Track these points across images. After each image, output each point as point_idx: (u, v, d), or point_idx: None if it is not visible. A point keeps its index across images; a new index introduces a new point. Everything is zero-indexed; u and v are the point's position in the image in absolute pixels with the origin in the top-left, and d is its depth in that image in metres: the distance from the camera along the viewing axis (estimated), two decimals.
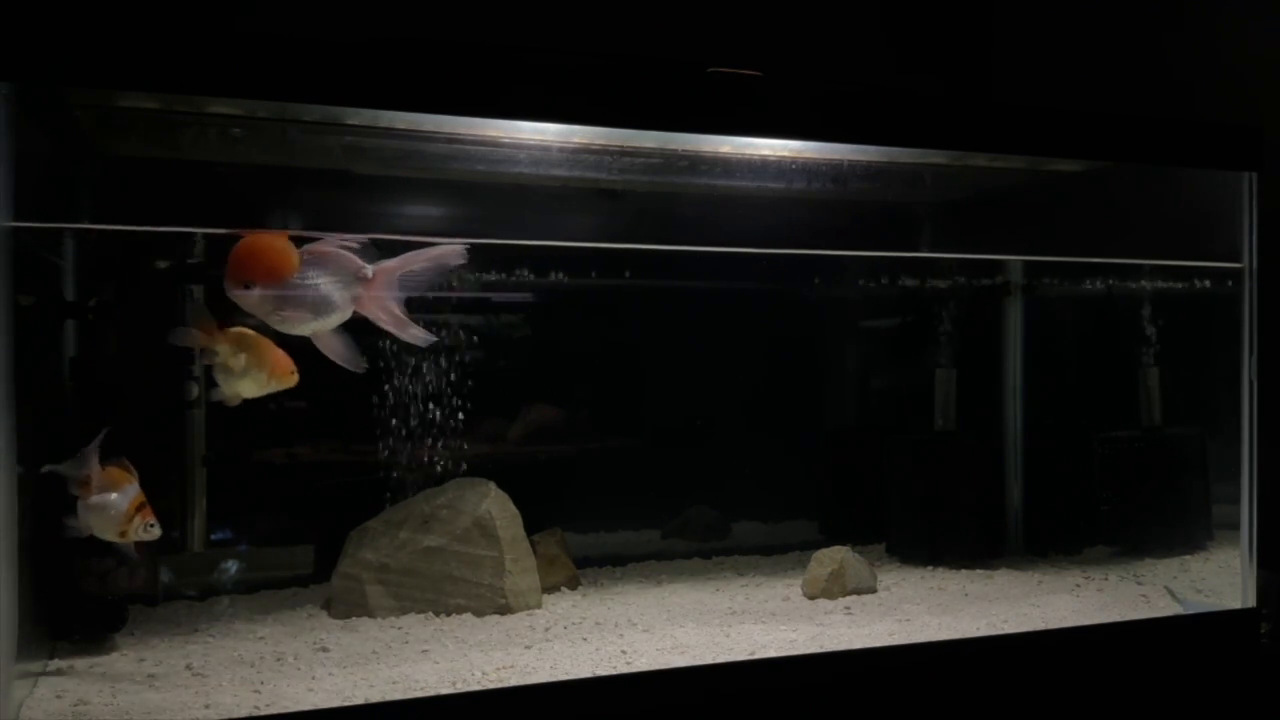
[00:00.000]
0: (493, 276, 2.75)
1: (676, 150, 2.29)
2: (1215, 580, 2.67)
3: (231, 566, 2.51)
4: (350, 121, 2.03)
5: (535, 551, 2.48)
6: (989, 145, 2.37)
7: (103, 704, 1.75)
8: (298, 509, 2.63)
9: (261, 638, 2.13)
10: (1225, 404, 2.45)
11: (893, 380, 3.37)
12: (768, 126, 2.14)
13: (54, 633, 2.05)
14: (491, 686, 1.84)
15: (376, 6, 2.56)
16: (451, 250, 1.89)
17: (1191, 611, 2.43)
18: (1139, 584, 2.64)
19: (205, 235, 2.21)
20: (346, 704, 1.74)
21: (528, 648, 2.06)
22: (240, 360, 1.93)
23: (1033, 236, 2.72)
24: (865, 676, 2.07)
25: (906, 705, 2.10)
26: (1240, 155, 2.43)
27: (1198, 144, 2.44)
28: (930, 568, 2.80)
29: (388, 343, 2.43)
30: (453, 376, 2.59)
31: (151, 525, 1.87)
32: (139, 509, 1.86)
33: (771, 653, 2.04)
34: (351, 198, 2.37)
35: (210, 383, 1.98)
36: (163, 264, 2.33)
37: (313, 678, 1.87)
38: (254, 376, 1.95)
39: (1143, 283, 3.04)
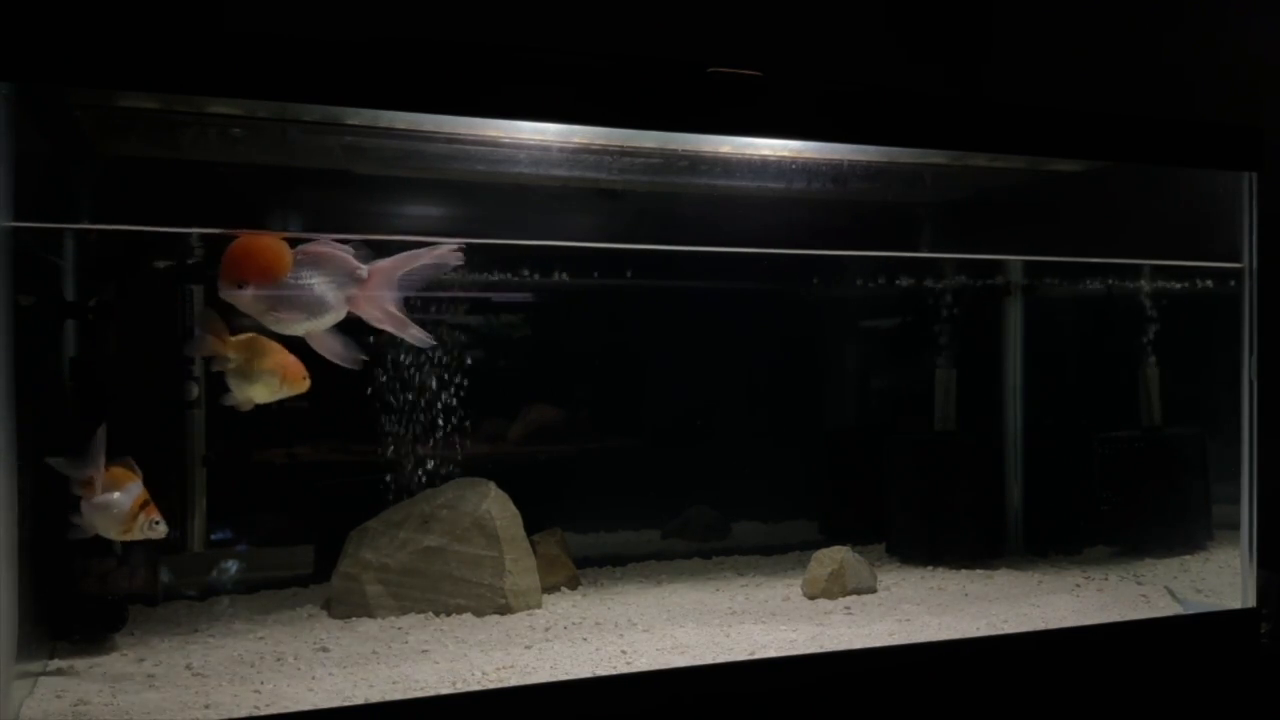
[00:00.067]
0: (493, 276, 2.75)
1: (676, 150, 2.29)
2: (1215, 580, 2.67)
3: (231, 566, 2.51)
4: (350, 121, 2.03)
5: (535, 551, 2.48)
6: (989, 145, 2.37)
7: (103, 704, 1.75)
8: (298, 509, 2.63)
9: (261, 638, 2.13)
10: (1225, 404, 2.45)
11: (893, 380, 3.37)
12: (768, 126, 2.14)
13: (54, 633, 2.05)
14: (491, 686, 1.84)
15: (376, 6, 2.56)
16: (447, 250, 1.89)
17: (1191, 611, 2.43)
18: (1139, 584, 2.64)
19: (205, 235, 2.21)
20: (346, 704, 1.74)
21: (528, 648, 2.06)
22: (252, 365, 1.94)
23: (1033, 236, 2.72)
24: (865, 676, 2.07)
25: (906, 705, 2.10)
26: (1240, 155, 2.43)
27: (1198, 144, 2.44)
28: (930, 568, 2.80)
29: (388, 343, 2.43)
30: (453, 377, 2.59)
31: (156, 523, 1.87)
32: (143, 507, 1.86)
33: (771, 653, 2.04)
34: (351, 198, 2.37)
35: (222, 387, 1.98)
36: (163, 264, 2.33)
37: (313, 678, 1.87)
38: (266, 381, 1.96)
39: (1143, 283, 3.04)
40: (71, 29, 1.62)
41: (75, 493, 1.85)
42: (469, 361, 2.62)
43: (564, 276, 2.82)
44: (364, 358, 1.94)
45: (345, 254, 1.85)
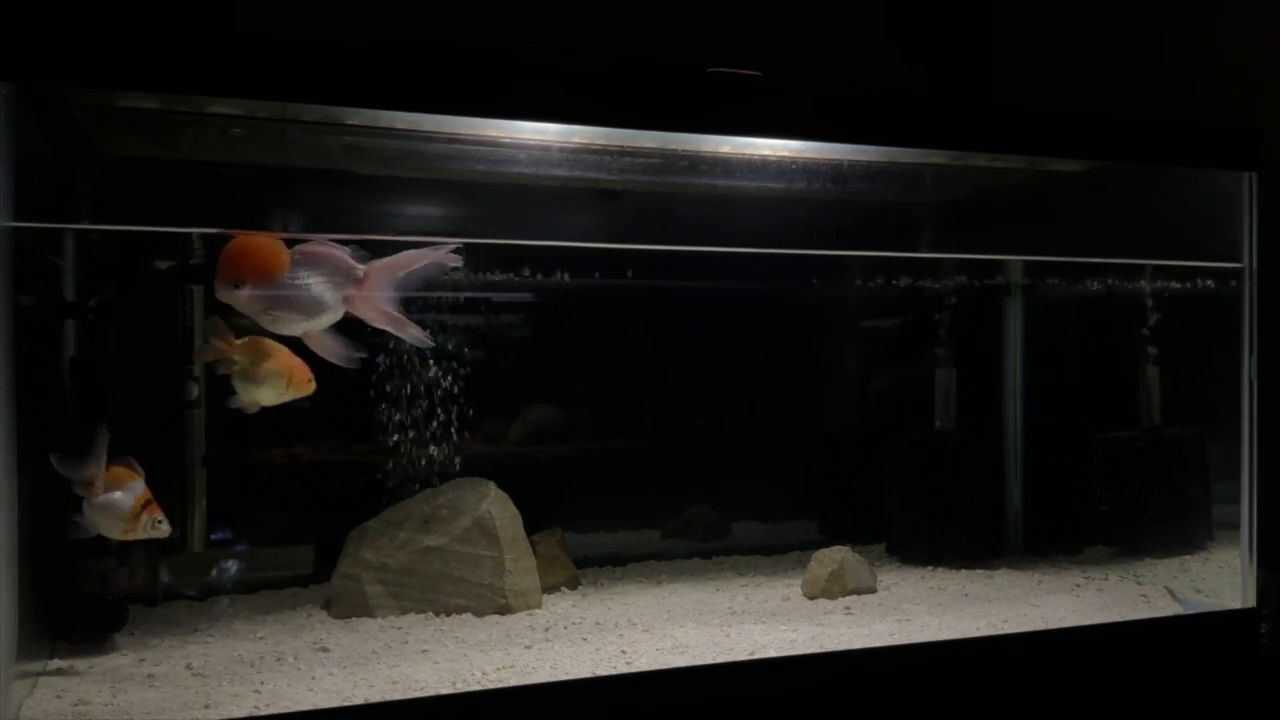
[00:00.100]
0: (493, 276, 2.75)
1: (676, 150, 2.29)
2: (1215, 580, 2.67)
3: (231, 566, 2.51)
4: (350, 121, 2.03)
5: (535, 551, 2.48)
6: (989, 145, 2.37)
7: (103, 704, 1.75)
8: (298, 509, 2.63)
9: (261, 638, 2.13)
10: (1225, 404, 2.45)
11: (893, 380, 3.37)
12: (768, 126, 2.14)
13: (54, 633, 2.05)
14: (491, 686, 1.84)
15: (376, 6, 2.56)
16: (445, 252, 1.89)
17: (1191, 611, 2.43)
18: (1139, 584, 2.64)
19: (205, 235, 2.21)
20: (346, 704, 1.74)
21: (528, 648, 2.06)
22: (258, 368, 1.94)
23: (1033, 236, 2.72)
24: (865, 676, 2.07)
25: (906, 705, 2.10)
26: (1240, 155, 2.43)
27: (1198, 144, 2.44)
28: (930, 568, 2.80)
29: (389, 343, 2.43)
30: (453, 377, 2.59)
31: (160, 522, 1.88)
32: (145, 506, 1.86)
33: (771, 653, 2.04)
34: (351, 198, 2.37)
35: (224, 388, 1.99)
36: (163, 264, 2.33)
37: (313, 678, 1.87)
38: (272, 384, 1.96)
39: (1143, 283, 3.04)
40: (71, 29, 1.62)
41: (77, 493, 1.85)
42: (469, 362, 2.62)
43: (564, 277, 2.82)
44: (361, 356, 1.94)
45: (342, 254, 1.85)
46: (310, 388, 1.99)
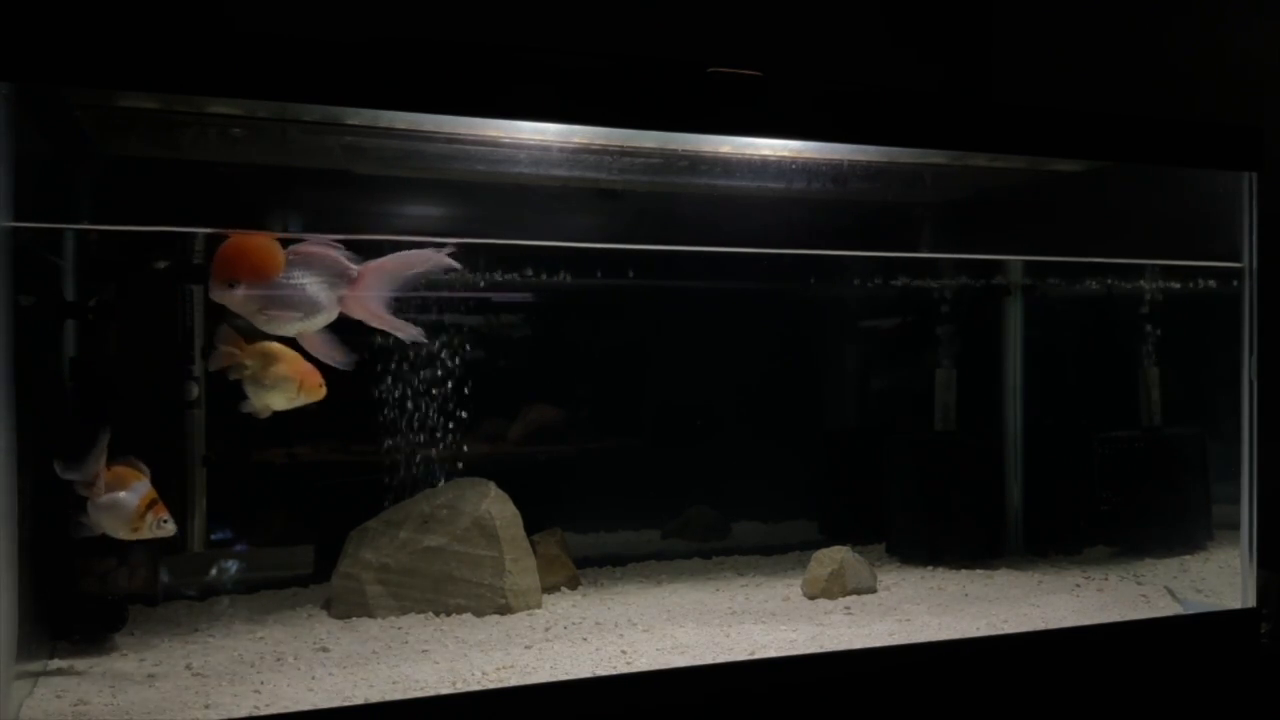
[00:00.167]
0: (493, 276, 2.75)
1: (676, 150, 2.29)
2: (1215, 580, 2.67)
3: (231, 566, 2.51)
4: (350, 121, 2.03)
5: (535, 551, 2.48)
6: (989, 145, 2.37)
7: (103, 704, 1.75)
8: (298, 509, 2.63)
9: (261, 638, 2.13)
10: (1225, 404, 2.45)
11: (893, 380, 3.37)
12: (768, 126, 2.14)
13: (54, 633, 2.05)
14: (491, 686, 1.84)
15: (376, 6, 2.57)
16: (441, 254, 1.89)
17: (1191, 611, 2.43)
18: (1139, 584, 2.64)
19: (205, 235, 2.21)
20: (346, 704, 1.74)
21: (528, 648, 2.06)
22: (270, 373, 1.95)
23: (1033, 236, 2.72)
24: (865, 676, 2.07)
25: (906, 705, 2.10)
26: (1240, 155, 2.43)
27: (1198, 144, 2.44)
28: (930, 568, 2.80)
29: (389, 343, 2.43)
30: (453, 377, 2.59)
31: (165, 521, 1.88)
32: (151, 506, 1.86)
33: (771, 653, 2.04)
34: (351, 198, 2.37)
35: (240, 395, 2.00)
36: (163, 264, 2.33)
37: (313, 678, 1.87)
38: (283, 389, 1.97)
39: (1143, 283, 3.04)
40: (71, 29, 1.62)
41: (80, 493, 1.85)
42: (468, 362, 2.62)
43: (564, 277, 2.82)
44: (355, 357, 1.95)
45: (337, 254, 1.85)
46: (321, 393, 2.01)
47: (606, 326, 3.03)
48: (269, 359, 1.97)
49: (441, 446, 2.58)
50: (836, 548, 2.54)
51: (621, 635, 2.16)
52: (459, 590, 2.32)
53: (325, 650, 2.04)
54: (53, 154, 2.10)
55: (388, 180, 2.42)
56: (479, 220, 2.53)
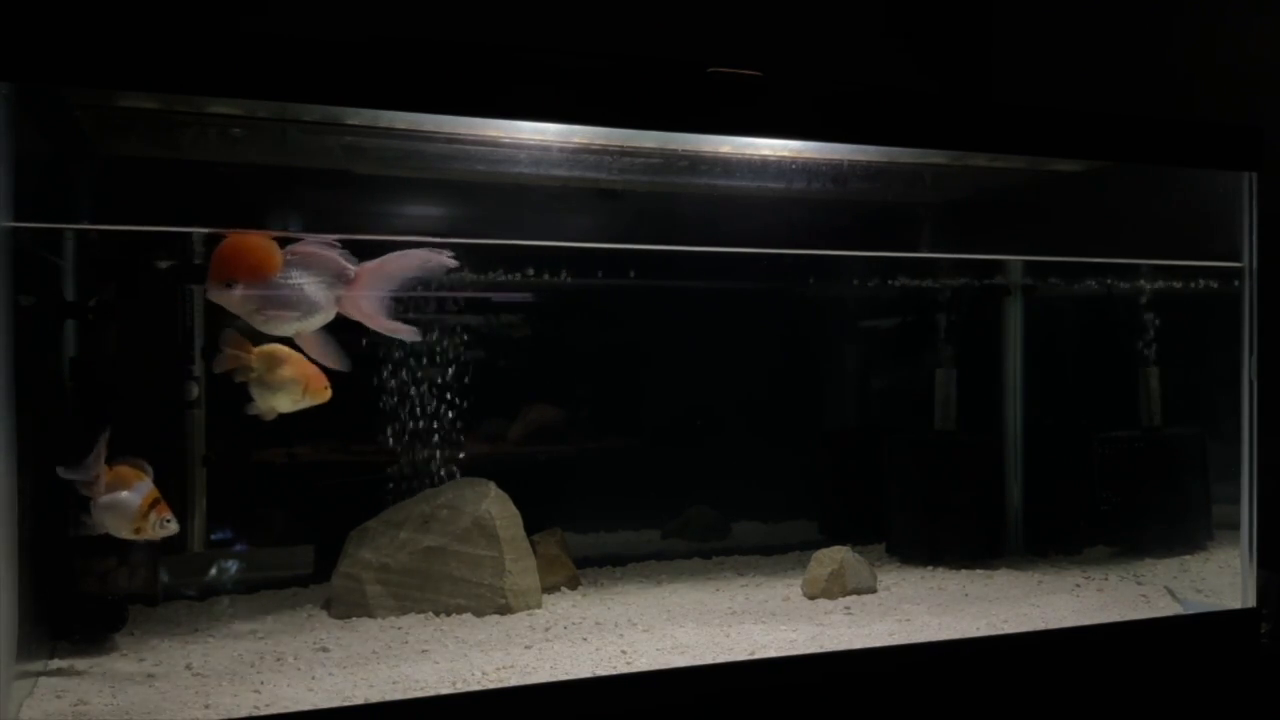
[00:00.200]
0: (493, 276, 2.75)
1: (676, 150, 2.29)
2: (1215, 580, 2.67)
3: (231, 566, 2.51)
4: (350, 121, 2.03)
5: (535, 551, 2.48)
6: (989, 145, 2.37)
7: (103, 704, 1.75)
8: (298, 509, 2.63)
9: (261, 638, 2.13)
10: (1225, 404, 2.45)
11: (893, 380, 3.37)
12: (768, 126, 2.14)
13: (54, 633, 2.05)
14: (491, 686, 1.84)
15: (376, 6, 2.56)
16: (437, 254, 1.89)
17: (1191, 611, 2.43)
18: (1139, 584, 2.64)
19: (205, 235, 2.21)
20: (346, 704, 1.74)
21: (528, 648, 2.06)
22: (276, 376, 1.96)
23: (1033, 236, 2.72)
24: (865, 676, 2.07)
25: (906, 705, 2.10)
26: (1240, 155, 2.43)
27: (1198, 144, 2.44)
28: (930, 568, 2.80)
29: (389, 343, 2.43)
30: (453, 377, 2.59)
31: (168, 521, 1.88)
32: (154, 505, 1.86)
33: (771, 653, 2.04)
34: (351, 198, 2.37)
35: (245, 397, 2.00)
36: (163, 264, 2.33)
37: (313, 678, 1.87)
38: (289, 391, 1.98)
39: (1143, 283, 3.04)
40: (71, 29, 1.62)
41: (83, 493, 1.85)
42: (468, 362, 2.62)
43: (564, 277, 2.82)
44: (349, 361, 1.95)
45: (334, 254, 1.85)
46: (326, 395, 2.02)
47: (606, 326, 3.03)
48: (274, 361, 1.98)
49: (441, 447, 2.58)
50: (836, 548, 2.54)
51: (621, 635, 2.16)
52: (459, 590, 2.32)
53: (325, 650, 2.04)
54: (53, 154, 2.10)
55: (388, 180, 2.42)
56: (479, 220, 2.53)
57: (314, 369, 1.99)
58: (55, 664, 1.95)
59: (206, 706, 1.73)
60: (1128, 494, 2.96)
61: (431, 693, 1.80)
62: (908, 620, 2.28)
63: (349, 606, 2.29)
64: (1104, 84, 3.13)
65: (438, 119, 2.03)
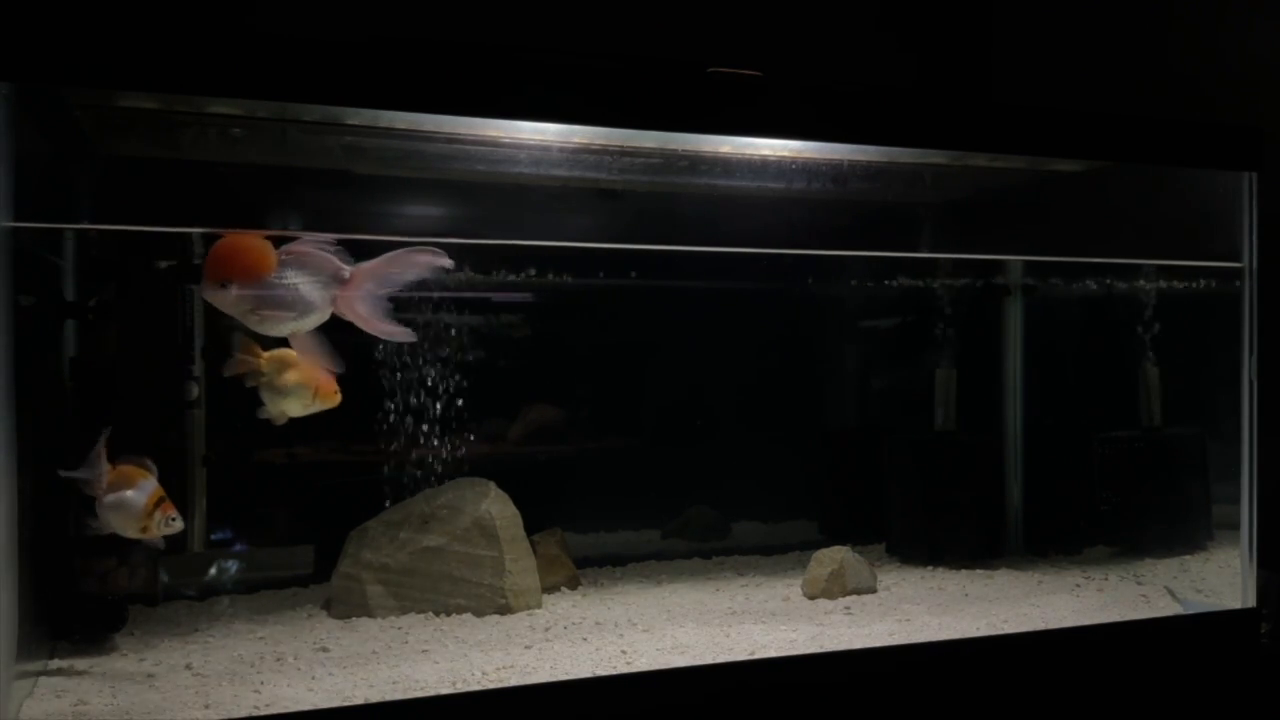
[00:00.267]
0: (493, 276, 2.75)
1: (676, 150, 2.29)
2: (1215, 580, 2.67)
3: (231, 566, 2.51)
4: (350, 121, 2.03)
5: (535, 551, 2.48)
6: (989, 145, 2.37)
7: (103, 704, 1.75)
8: (298, 509, 2.63)
9: (261, 638, 2.13)
10: (1225, 404, 2.45)
11: (893, 380, 3.37)
12: (768, 126, 2.14)
13: (54, 633, 2.05)
14: (491, 686, 1.84)
15: (376, 6, 2.56)
16: (432, 251, 1.89)
17: (1191, 611, 2.43)
18: (1139, 584, 2.64)
19: (205, 235, 2.21)
20: (346, 704, 1.74)
21: (528, 648, 2.06)
22: (286, 380, 1.96)
23: (1033, 236, 2.72)
24: (865, 676, 2.07)
25: (906, 705, 2.10)
26: (1240, 155, 2.43)
27: (1198, 144, 2.44)
28: (930, 568, 2.80)
29: (388, 343, 2.43)
30: (453, 377, 2.59)
31: (173, 519, 1.88)
32: (158, 503, 1.87)
33: (771, 653, 2.04)
34: (351, 198, 2.37)
35: (256, 401, 2.01)
36: (163, 264, 2.33)
37: (313, 678, 1.87)
38: (299, 395, 1.99)
39: (1143, 283, 3.04)
40: (71, 29, 1.62)
41: (87, 494, 1.85)
42: (468, 362, 2.62)
43: (564, 277, 2.82)
44: (343, 365, 1.96)
45: (329, 254, 1.85)
46: (336, 399, 2.03)
47: (607, 327, 3.03)
48: (285, 365, 1.99)
49: (442, 447, 2.58)
50: (836, 548, 2.54)
51: (621, 635, 2.16)
52: (459, 590, 2.32)
53: (325, 650, 2.04)
54: (53, 154, 2.10)
55: (388, 180, 2.42)
56: (479, 220, 2.53)
57: (324, 373, 2.00)
58: (55, 664, 1.95)
59: (206, 706, 1.73)
60: (1128, 494, 2.96)
61: (431, 693, 1.80)
62: (908, 620, 2.28)
63: (349, 606, 2.29)
64: (1104, 84, 3.13)
65: (438, 119, 2.03)
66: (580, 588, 2.58)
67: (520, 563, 2.39)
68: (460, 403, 2.60)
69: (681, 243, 2.32)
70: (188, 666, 1.93)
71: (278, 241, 1.83)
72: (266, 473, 2.57)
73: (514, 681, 1.86)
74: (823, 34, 3.14)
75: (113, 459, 1.86)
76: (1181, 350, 2.96)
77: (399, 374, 2.55)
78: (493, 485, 2.46)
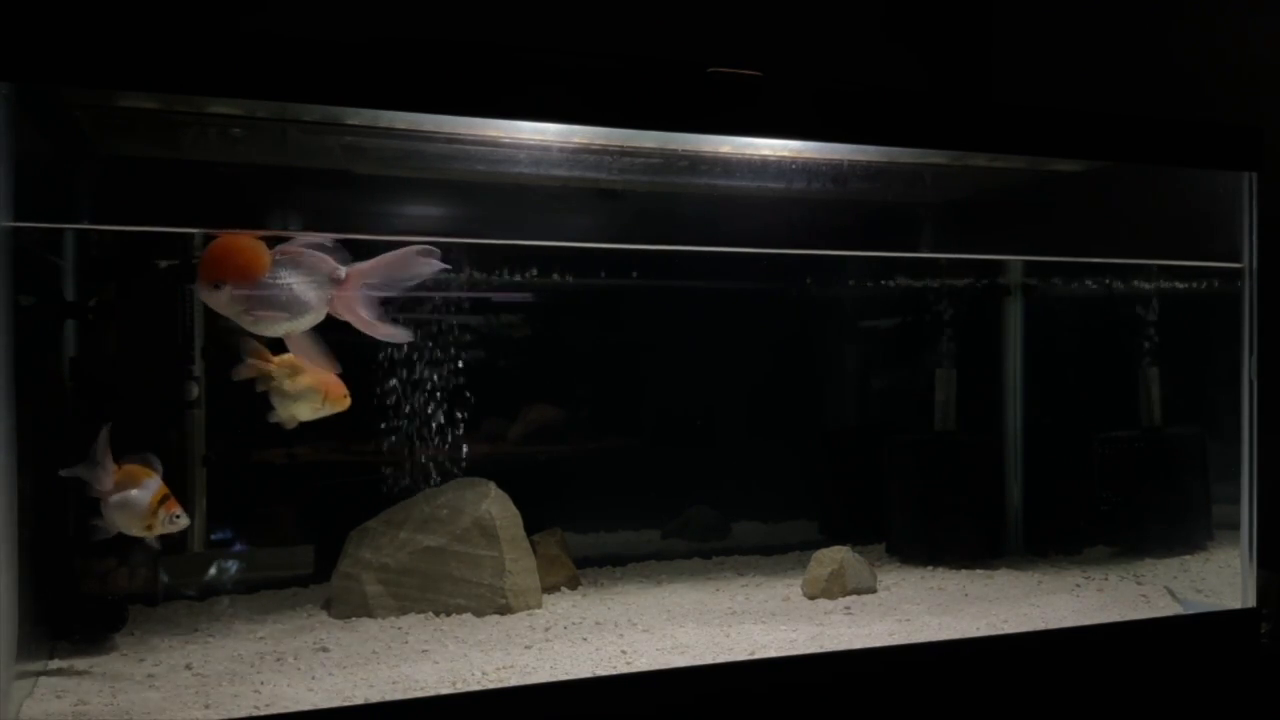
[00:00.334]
0: (493, 276, 2.75)
1: (676, 150, 2.29)
2: (1215, 580, 2.67)
3: (231, 566, 2.51)
4: (350, 121, 2.03)
5: (535, 551, 2.48)
6: (989, 145, 2.37)
7: (103, 704, 1.75)
8: (298, 509, 2.63)
9: (261, 638, 2.13)
10: (1225, 404, 2.45)
11: (893, 380, 3.37)
12: (768, 126, 2.14)
13: (54, 633, 2.05)
14: (491, 686, 1.84)
15: (376, 6, 2.56)
16: (428, 251, 1.89)
17: (1191, 611, 2.43)
18: (1139, 584, 2.64)
19: (205, 235, 2.21)
20: (346, 704, 1.74)
21: (528, 648, 2.06)
22: (296, 385, 1.97)
23: (1033, 236, 2.72)
24: (865, 676, 2.07)
25: (906, 705, 2.10)
26: (1240, 155, 2.43)
27: (1198, 144, 2.44)
28: (930, 568, 2.80)
29: (388, 344, 2.43)
30: (453, 377, 2.59)
31: (178, 516, 1.88)
32: (162, 502, 1.87)
33: (771, 653, 2.04)
34: (351, 198, 2.37)
35: (266, 405, 2.02)
36: (163, 264, 2.33)
37: (313, 678, 1.87)
38: (309, 400, 2.01)
39: (1143, 283, 3.04)
40: (71, 29, 1.62)
41: (92, 494, 1.85)
42: (468, 362, 2.62)
43: (564, 277, 2.82)
44: (339, 366, 1.96)
45: (323, 255, 1.85)
46: (345, 403, 2.05)
47: (607, 327, 3.03)
48: (294, 370, 2.00)
49: (442, 446, 2.57)
50: (836, 548, 2.54)
51: (621, 635, 2.16)
52: (459, 590, 2.32)
53: (325, 650, 2.04)
54: (53, 154, 2.10)
55: (388, 180, 2.42)
56: (479, 220, 2.53)
57: (334, 377, 2.01)
58: (55, 664, 1.95)
59: (206, 706, 1.73)
60: (1128, 494, 2.96)
61: (431, 693, 1.80)
62: (908, 620, 2.28)
63: (349, 606, 2.29)
64: (1104, 84, 3.13)
65: (438, 119, 2.03)
66: (580, 588, 2.58)
67: (520, 563, 2.39)
68: (461, 402, 2.59)
69: (681, 243, 2.32)
70: (188, 666, 1.94)
71: (273, 242, 1.83)
72: (266, 473, 2.57)
73: (514, 681, 1.86)
74: (822, 34, 3.14)
75: (117, 459, 1.86)
76: (1181, 350, 2.96)
77: (399, 374, 2.55)
78: (493, 485, 2.46)
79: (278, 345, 1.99)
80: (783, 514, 3.15)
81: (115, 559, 2.15)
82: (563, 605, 2.43)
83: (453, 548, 2.34)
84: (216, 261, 1.81)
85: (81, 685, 1.84)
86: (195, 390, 2.44)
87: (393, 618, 2.27)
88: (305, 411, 2.03)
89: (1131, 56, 3.17)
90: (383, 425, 2.55)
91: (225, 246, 1.83)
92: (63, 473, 1.84)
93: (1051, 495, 3.04)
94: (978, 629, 2.23)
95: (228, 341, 2.04)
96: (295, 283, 1.83)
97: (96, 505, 1.86)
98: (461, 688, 1.82)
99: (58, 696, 1.79)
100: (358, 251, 1.89)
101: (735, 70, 2.05)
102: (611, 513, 2.95)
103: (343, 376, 2.02)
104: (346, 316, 1.87)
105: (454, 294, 2.65)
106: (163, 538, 1.93)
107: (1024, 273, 3.05)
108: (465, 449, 2.60)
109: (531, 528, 2.49)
